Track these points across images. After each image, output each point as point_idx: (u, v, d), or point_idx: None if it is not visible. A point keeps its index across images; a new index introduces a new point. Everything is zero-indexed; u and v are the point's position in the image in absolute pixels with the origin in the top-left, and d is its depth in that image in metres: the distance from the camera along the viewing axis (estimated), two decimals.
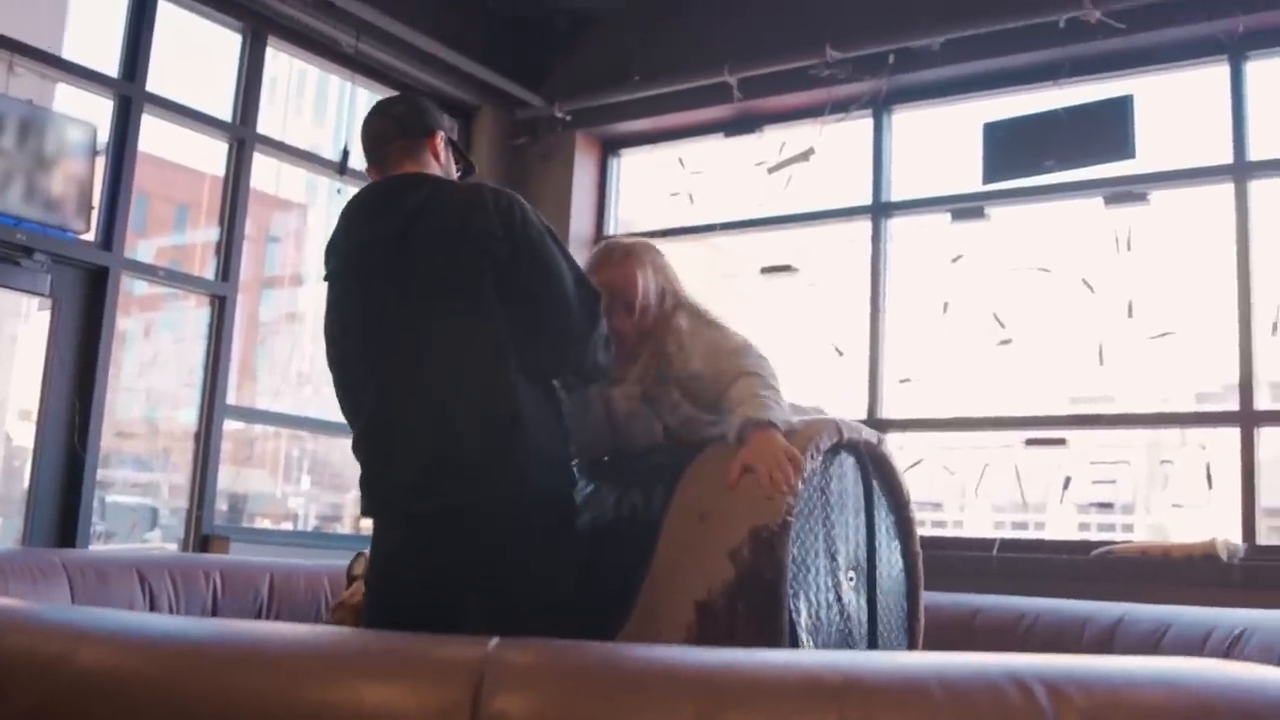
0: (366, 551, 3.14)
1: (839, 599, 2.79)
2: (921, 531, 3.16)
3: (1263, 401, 5.10)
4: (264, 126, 6.00)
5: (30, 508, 5.00)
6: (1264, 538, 4.96)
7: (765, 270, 6.43)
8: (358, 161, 5.82)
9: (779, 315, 6.07)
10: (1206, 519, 5.24)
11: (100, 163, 5.23)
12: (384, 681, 1.42)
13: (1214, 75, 5.41)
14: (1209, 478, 5.23)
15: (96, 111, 5.33)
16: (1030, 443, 5.60)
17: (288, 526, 7.95)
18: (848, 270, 6.19)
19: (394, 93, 6.27)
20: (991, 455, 5.76)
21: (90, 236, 5.18)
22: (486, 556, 2.65)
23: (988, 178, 5.74)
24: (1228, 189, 5.29)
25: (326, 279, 2.89)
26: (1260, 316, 5.14)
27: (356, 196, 2.94)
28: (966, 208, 5.93)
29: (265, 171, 6.24)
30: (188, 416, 5.80)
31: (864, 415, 5.86)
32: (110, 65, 5.41)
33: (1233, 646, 3.43)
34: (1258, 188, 5.25)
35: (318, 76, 7.24)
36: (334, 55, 6.21)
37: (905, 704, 1.27)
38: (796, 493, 2.62)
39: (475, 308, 2.67)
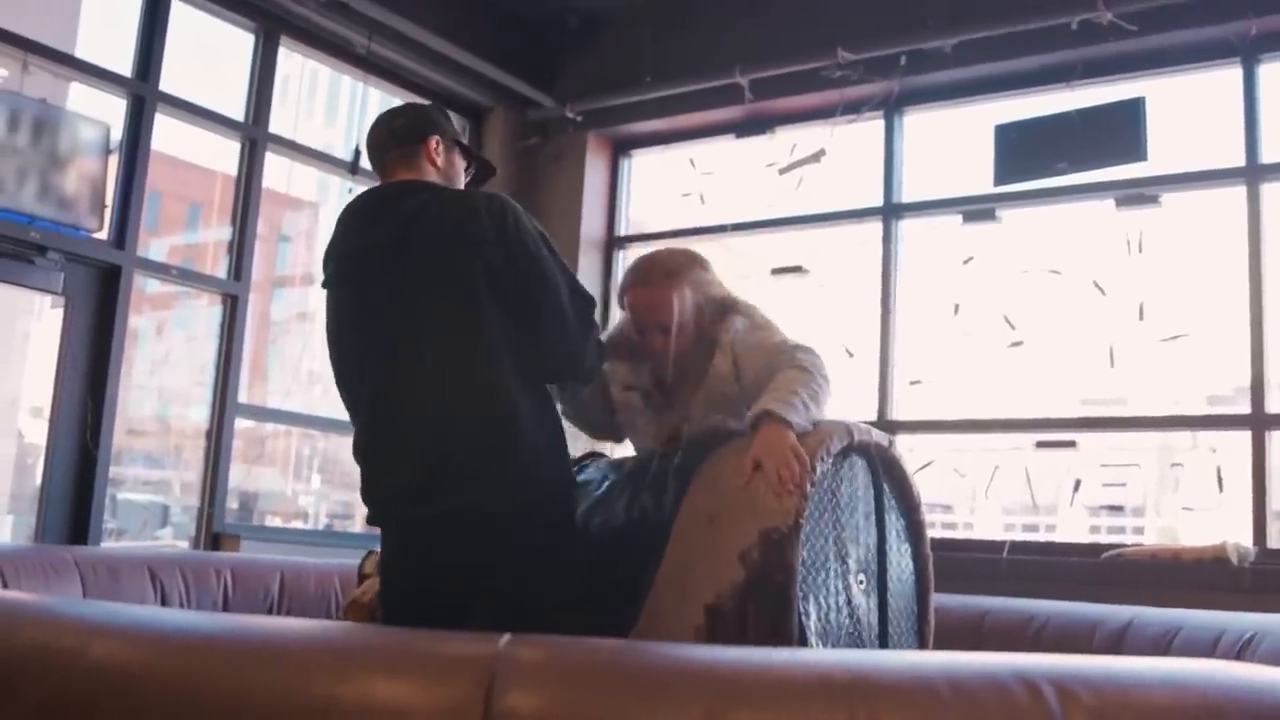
0: (377, 549, 3.15)
1: (849, 602, 2.78)
2: (931, 534, 3.16)
3: (1274, 404, 5.08)
4: (276, 126, 6.02)
5: (43, 505, 5.02)
6: (1275, 541, 4.94)
7: (776, 271, 6.42)
8: (369, 162, 5.84)
9: (789, 316, 6.05)
10: (1217, 522, 5.23)
11: (113, 161, 5.25)
12: (395, 677, 1.43)
13: (1227, 78, 5.40)
14: (1220, 481, 5.22)
15: (110, 110, 5.36)
16: (1041, 445, 5.59)
17: (298, 525, 7.97)
18: (858, 271, 6.19)
19: (406, 92, 6.33)
20: (1002, 457, 5.75)
21: (103, 235, 5.20)
22: (485, 561, 2.66)
23: (999, 179, 5.74)
24: (1240, 192, 5.28)
25: (324, 284, 2.91)
26: (1272, 319, 5.12)
27: (353, 202, 2.96)
28: (978, 209, 5.92)
29: (277, 170, 6.26)
30: (199, 414, 5.82)
31: (874, 417, 5.86)
32: (124, 65, 5.43)
33: (1243, 650, 3.42)
34: (1270, 190, 5.23)
35: (329, 76, 7.26)
36: (346, 55, 6.23)
37: (913, 703, 1.27)
38: (805, 492, 2.62)
39: (469, 313, 2.68)
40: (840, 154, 6.24)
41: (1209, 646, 3.50)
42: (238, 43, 5.94)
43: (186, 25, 5.63)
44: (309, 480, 8.36)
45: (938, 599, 3.11)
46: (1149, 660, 1.42)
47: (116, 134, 5.27)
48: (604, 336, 3.12)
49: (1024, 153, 5.63)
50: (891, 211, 6.17)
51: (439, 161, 2.96)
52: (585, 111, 6.83)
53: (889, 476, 2.99)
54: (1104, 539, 5.69)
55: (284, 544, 5.80)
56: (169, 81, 5.51)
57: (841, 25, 5.99)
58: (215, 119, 5.81)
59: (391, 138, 2.97)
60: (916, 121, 6.27)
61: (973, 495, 6.21)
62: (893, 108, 6.16)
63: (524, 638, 1.47)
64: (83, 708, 1.51)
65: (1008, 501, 6.13)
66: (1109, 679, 1.30)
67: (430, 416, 2.68)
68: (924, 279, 6.12)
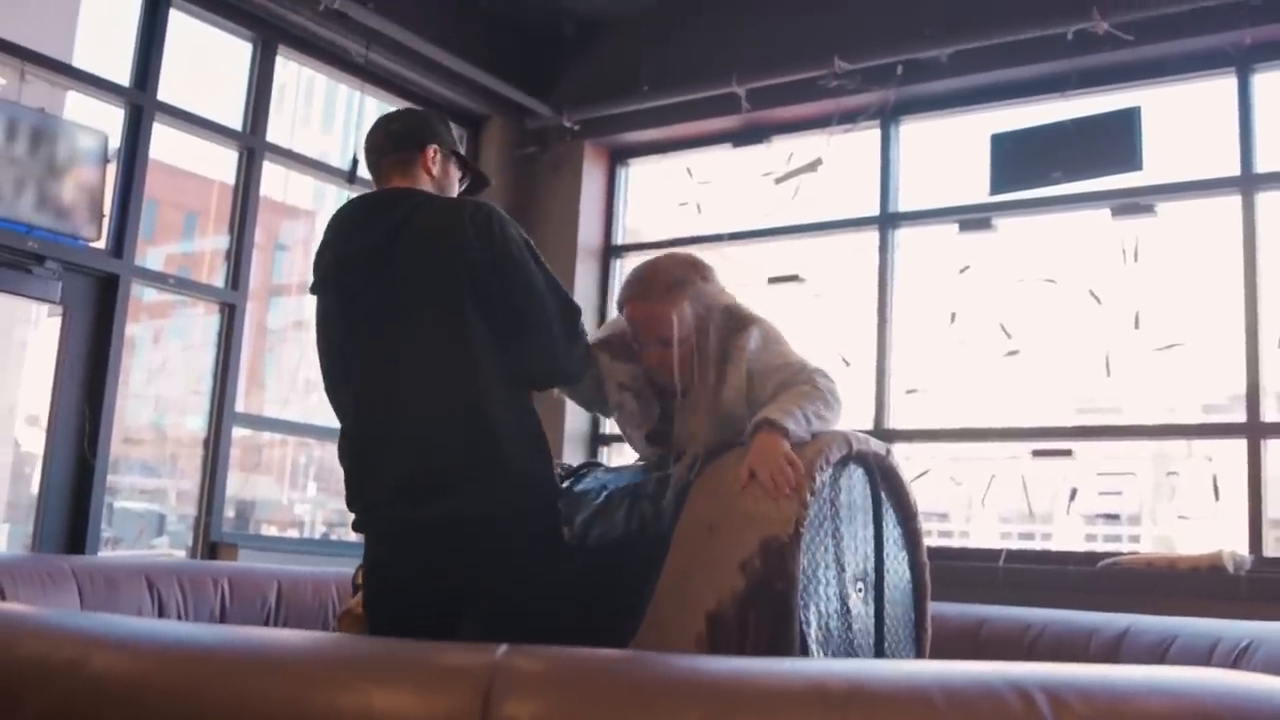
0: None
1: (847, 610, 2.79)
2: (928, 542, 3.17)
3: (1270, 413, 5.10)
4: (273, 134, 6.02)
5: (39, 514, 5.02)
6: (1270, 549, 4.95)
7: (773, 280, 6.43)
8: (366, 170, 5.84)
9: (786, 325, 6.07)
10: (1213, 530, 5.24)
11: (111, 170, 5.25)
12: (393, 688, 1.43)
13: (1221, 87, 5.41)
14: (1216, 489, 5.23)
15: (107, 119, 5.36)
16: (1037, 454, 5.60)
17: (294, 533, 7.96)
18: (855, 280, 6.20)
19: (403, 101, 6.32)
20: (998, 466, 5.76)
21: (101, 244, 5.21)
22: (469, 567, 2.66)
23: (995, 189, 5.76)
24: (1235, 201, 5.29)
25: (313, 289, 2.92)
26: (1267, 328, 5.14)
27: (344, 207, 2.97)
28: (974, 219, 5.93)
29: (273, 178, 6.26)
30: (196, 423, 5.82)
31: (871, 426, 5.87)
32: (122, 74, 5.43)
33: (1239, 658, 3.43)
34: (1265, 200, 5.25)
35: (326, 84, 7.27)
36: (344, 65, 6.23)
37: (908, 711, 1.28)
38: (805, 501, 2.63)
39: (453, 321, 2.69)
40: (837, 163, 6.25)
41: (1205, 654, 3.51)
42: (235, 52, 5.94)
43: (184, 34, 5.64)
44: (305, 489, 8.35)
45: (935, 607, 3.12)
46: (1143, 669, 1.43)
47: (114, 143, 5.28)
48: (601, 333, 3.14)
49: (1020, 162, 5.64)
50: (888, 220, 6.18)
51: (435, 171, 2.97)
52: (582, 120, 6.84)
53: (887, 485, 3.00)
54: (1100, 547, 5.70)
55: (281, 553, 5.81)
56: (167, 91, 5.52)
57: (838, 35, 6.01)
58: (213, 128, 5.82)
59: (389, 142, 2.98)
60: (913, 131, 6.29)
61: (969, 504, 6.22)
62: (889, 117, 6.18)
63: (521, 648, 1.47)
64: (83, 719, 1.52)
65: (1004, 510, 6.13)
66: (1103, 688, 1.31)
67: (413, 423, 2.70)
68: (920, 288, 6.13)
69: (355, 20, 5.89)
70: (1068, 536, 6.22)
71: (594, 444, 6.78)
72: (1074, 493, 5.59)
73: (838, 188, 6.32)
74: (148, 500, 6.73)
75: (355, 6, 5.80)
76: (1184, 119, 5.64)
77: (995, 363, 5.74)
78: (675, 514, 2.77)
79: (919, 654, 3.04)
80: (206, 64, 6.17)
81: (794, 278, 6.35)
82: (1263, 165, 5.26)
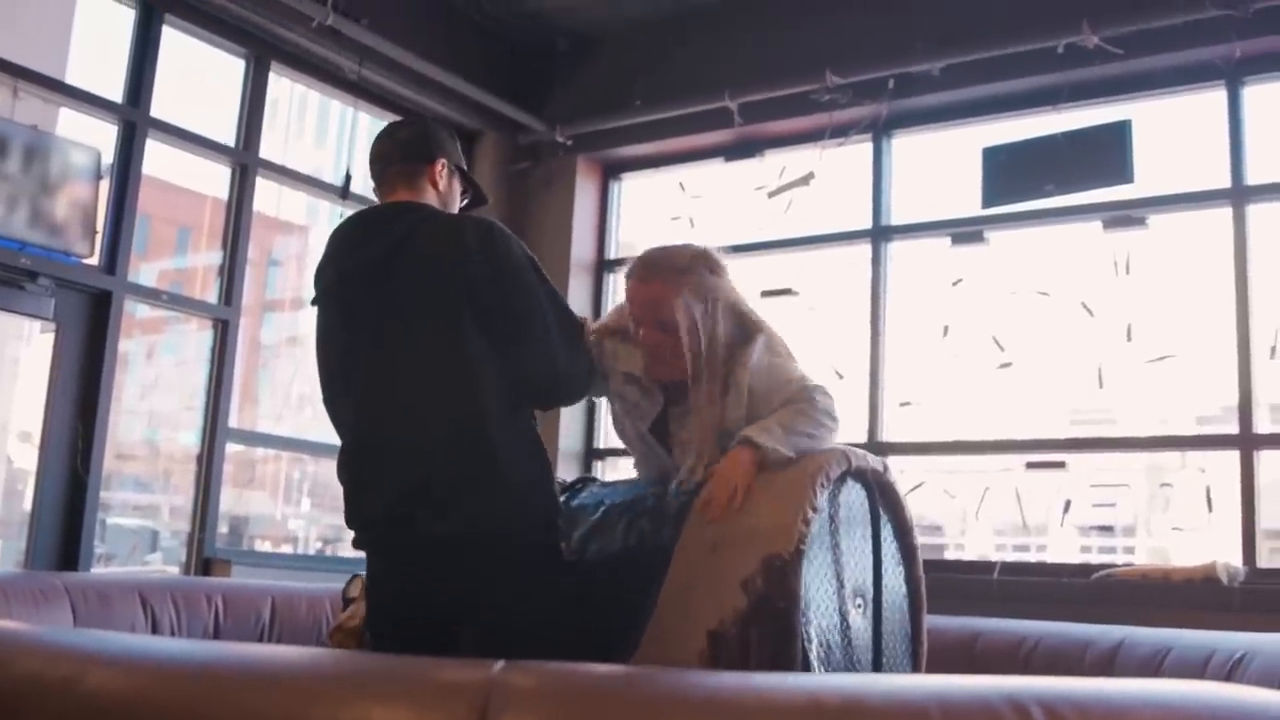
0: (362, 574, 3.15)
1: (847, 625, 2.80)
2: (922, 555, 3.17)
3: (1262, 424, 5.11)
4: (266, 150, 6.02)
5: (32, 530, 5.00)
6: (1264, 560, 4.96)
7: (765, 294, 6.42)
8: (360, 186, 5.85)
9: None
10: (1207, 542, 5.24)
11: (104, 187, 5.25)
12: (389, 704, 1.43)
13: (1212, 100, 5.43)
14: (1209, 500, 5.24)
15: (100, 135, 5.36)
16: (1030, 466, 5.61)
17: (288, 549, 7.94)
18: (848, 294, 6.21)
19: (396, 117, 6.32)
20: (992, 478, 5.77)
21: (94, 261, 5.20)
22: (470, 584, 2.66)
23: (987, 202, 5.77)
24: (1226, 213, 5.31)
25: (313, 302, 2.91)
26: (1259, 339, 5.15)
27: (346, 222, 2.97)
28: (966, 232, 5.95)
29: (266, 194, 6.26)
30: (189, 439, 5.81)
31: (864, 439, 5.88)
32: (115, 90, 5.43)
33: (1234, 670, 3.43)
34: (1256, 212, 5.26)
35: (319, 100, 7.27)
36: (337, 81, 6.24)
37: None
38: (807, 518, 2.64)
39: (454, 336, 2.69)
40: (829, 177, 6.26)
41: (1199, 666, 3.52)
42: (228, 68, 5.95)
43: (177, 51, 5.64)
44: (299, 504, 8.34)
45: (931, 620, 3.12)
46: (1138, 682, 1.43)
47: (107, 159, 5.28)
48: (609, 319, 3.14)
49: (1012, 175, 5.66)
50: (880, 234, 6.19)
51: (441, 185, 2.97)
52: (575, 135, 6.85)
53: (884, 501, 3.00)
54: (1094, 559, 5.70)
55: (274, 569, 5.79)
56: (160, 107, 5.52)
57: (830, 49, 6.02)
58: (206, 144, 5.82)
59: (398, 150, 2.97)
60: (905, 144, 6.30)
61: (963, 516, 6.22)
62: (881, 131, 6.20)
63: (518, 664, 1.47)
64: None
65: (998, 522, 6.14)
66: (1099, 701, 1.31)
67: (413, 437, 2.69)
68: (913, 301, 6.13)
69: (348, 37, 5.89)
70: (1062, 548, 6.22)
71: (588, 459, 6.77)
72: (1068, 505, 5.60)
73: (830, 201, 6.33)
74: (141, 516, 6.72)
75: (348, 23, 5.80)
76: (1175, 132, 5.66)
77: (988, 375, 5.75)
78: (675, 529, 2.77)
79: (915, 668, 3.04)
80: (199, 80, 6.18)
81: (787, 291, 6.36)
82: (1253, 177, 5.28)
